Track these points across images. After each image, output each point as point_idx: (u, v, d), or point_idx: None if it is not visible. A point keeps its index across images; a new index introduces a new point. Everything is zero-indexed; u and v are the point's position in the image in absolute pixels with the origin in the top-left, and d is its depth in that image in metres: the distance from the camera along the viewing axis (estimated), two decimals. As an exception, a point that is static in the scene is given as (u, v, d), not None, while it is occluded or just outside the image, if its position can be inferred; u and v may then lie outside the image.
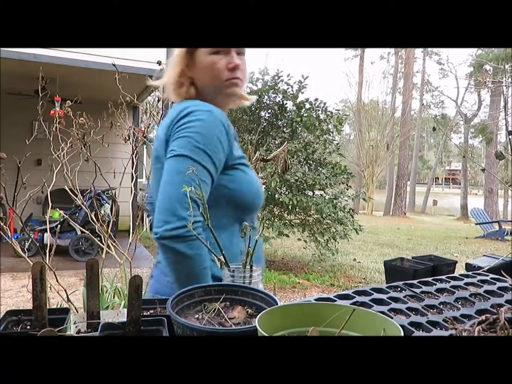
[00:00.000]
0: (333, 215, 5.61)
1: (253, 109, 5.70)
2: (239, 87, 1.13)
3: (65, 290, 2.34)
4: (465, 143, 23.82)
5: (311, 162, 6.04)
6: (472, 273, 1.04)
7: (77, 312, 1.62)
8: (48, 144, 2.69)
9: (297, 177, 5.37)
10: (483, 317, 0.58)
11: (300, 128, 5.89)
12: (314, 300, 0.81)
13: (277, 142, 5.92)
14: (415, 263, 1.29)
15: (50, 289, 2.37)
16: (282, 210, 5.69)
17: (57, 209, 5.24)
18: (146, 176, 3.54)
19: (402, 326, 0.62)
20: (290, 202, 5.24)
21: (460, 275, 1.02)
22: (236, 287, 0.79)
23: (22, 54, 4.70)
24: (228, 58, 1.09)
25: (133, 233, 3.04)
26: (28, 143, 2.31)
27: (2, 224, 2.16)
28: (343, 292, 0.87)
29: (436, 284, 0.94)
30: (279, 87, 5.86)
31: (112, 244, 2.87)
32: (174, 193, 0.95)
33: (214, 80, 1.10)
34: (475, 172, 33.10)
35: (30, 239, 5.28)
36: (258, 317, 0.59)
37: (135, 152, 3.30)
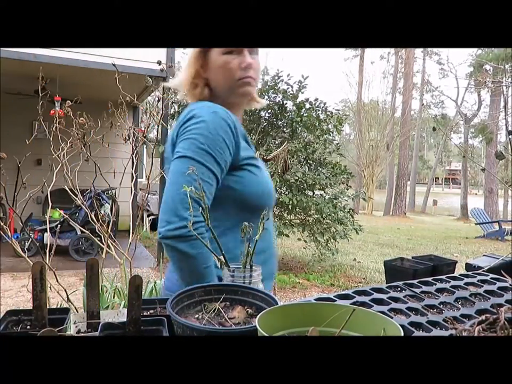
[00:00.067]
0: (333, 215, 5.61)
1: (253, 108, 5.70)
2: (251, 86, 1.13)
3: (65, 290, 2.34)
4: (465, 143, 23.82)
5: (311, 162, 6.04)
6: (472, 273, 1.04)
7: (77, 312, 1.62)
8: (48, 144, 2.69)
9: (297, 177, 5.37)
10: (483, 317, 0.58)
11: (300, 128, 5.88)
12: (314, 299, 0.81)
13: (277, 142, 5.92)
14: (415, 263, 1.29)
15: (50, 289, 2.37)
16: (282, 210, 5.69)
17: (57, 209, 5.24)
18: (146, 176, 3.54)
19: (402, 326, 0.62)
20: (290, 202, 5.24)
21: (460, 275, 1.02)
22: (236, 287, 0.79)
23: (22, 54, 4.70)
24: (240, 57, 1.10)
25: (133, 233, 3.04)
26: (28, 143, 2.31)
27: (2, 224, 2.16)
28: (343, 292, 0.87)
29: (436, 284, 0.94)
30: (279, 87, 5.86)
31: (112, 244, 2.87)
32: (176, 193, 0.96)
33: (227, 80, 1.11)
34: (475, 172, 33.11)
35: (30, 239, 5.28)
36: (258, 317, 0.59)
37: (135, 152, 3.30)
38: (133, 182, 3.57)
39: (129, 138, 3.20)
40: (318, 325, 0.59)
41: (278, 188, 5.30)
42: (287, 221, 5.79)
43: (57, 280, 2.29)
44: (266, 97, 5.88)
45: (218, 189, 1.04)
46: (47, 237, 3.52)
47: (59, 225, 5.18)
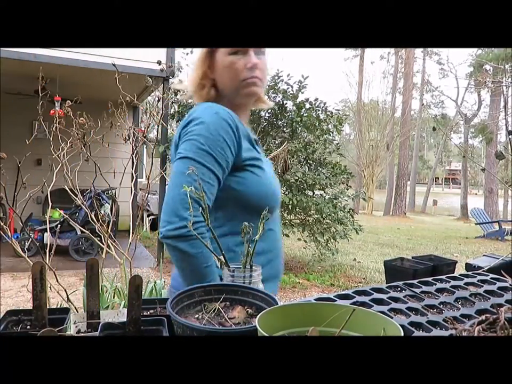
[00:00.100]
0: (333, 215, 5.61)
1: (252, 108, 5.69)
2: (257, 86, 1.13)
3: (65, 290, 2.35)
4: (465, 143, 23.82)
5: (311, 162, 6.04)
6: (472, 273, 1.04)
7: (77, 312, 1.62)
8: (48, 144, 2.69)
9: (297, 177, 5.37)
10: (483, 317, 0.58)
11: (300, 128, 5.88)
12: (314, 299, 0.81)
13: (277, 142, 5.92)
14: (415, 263, 1.29)
15: (50, 289, 2.37)
16: (282, 210, 5.69)
17: (57, 209, 5.24)
18: (146, 176, 3.54)
19: (402, 326, 0.62)
20: (290, 202, 5.24)
21: (460, 275, 1.02)
22: (236, 287, 0.79)
23: (22, 54, 4.70)
24: (246, 58, 1.10)
25: (133, 233, 3.04)
26: (28, 143, 2.31)
27: (2, 224, 2.16)
28: (343, 292, 0.87)
29: (436, 284, 0.94)
30: (279, 87, 5.86)
31: (112, 244, 2.87)
32: (177, 194, 0.98)
33: (232, 80, 1.12)
34: (475, 171, 33.11)
35: (30, 239, 5.28)
36: (258, 317, 0.59)
37: (135, 152, 3.30)
38: (133, 182, 3.58)
39: (129, 138, 3.20)
40: (318, 325, 0.59)
41: (278, 188, 5.29)
42: (287, 221, 5.79)
43: (57, 280, 2.29)
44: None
45: (220, 190, 1.05)
46: (47, 237, 3.52)
47: (59, 225, 5.18)
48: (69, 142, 2.79)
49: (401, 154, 19.21)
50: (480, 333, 0.55)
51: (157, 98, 3.71)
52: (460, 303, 0.84)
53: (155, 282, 2.92)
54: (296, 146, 5.61)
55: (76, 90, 4.12)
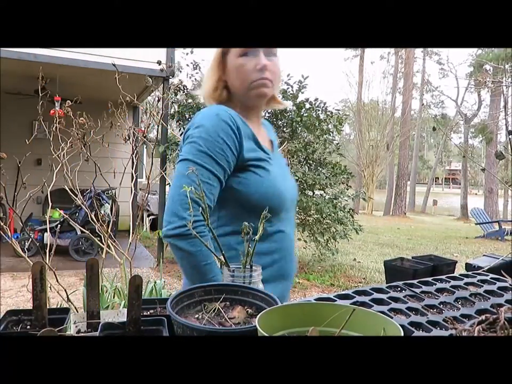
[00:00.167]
0: (333, 215, 5.61)
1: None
2: (267, 87, 1.14)
3: (65, 290, 2.35)
4: (465, 143, 23.82)
5: (311, 162, 6.04)
6: (472, 273, 1.04)
7: (77, 312, 1.62)
8: (48, 144, 2.69)
9: (297, 177, 5.37)
10: (483, 317, 0.58)
11: (300, 128, 5.88)
12: (314, 299, 0.81)
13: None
14: (415, 263, 1.29)
15: (50, 289, 2.37)
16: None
17: (57, 209, 5.24)
18: (146, 176, 3.54)
19: (402, 326, 0.62)
20: (290, 202, 5.23)
21: (460, 275, 1.02)
22: (236, 287, 0.79)
23: (22, 54, 4.70)
24: (256, 59, 1.11)
25: (133, 233, 3.04)
26: (27, 143, 2.31)
27: (2, 224, 2.16)
28: (343, 292, 0.87)
29: (435, 284, 0.94)
30: (279, 87, 5.85)
31: (112, 244, 2.87)
32: (176, 195, 1.01)
33: (243, 82, 1.13)
34: (475, 171, 33.11)
35: (30, 239, 5.28)
36: (258, 316, 0.59)
37: (135, 152, 3.30)
38: (133, 182, 3.58)
39: (129, 138, 3.20)
40: (318, 325, 0.59)
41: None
42: (287, 221, 5.77)
43: (57, 280, 2.29)
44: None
45: (223, 190, 1.07)
46: (47, 237, 3.52)
47: (59, 225, 5.18)
48: (69, 142, 2.79)
49: (401, 154, 19.21)
50: (480, 333, 0.55)
51: (157, 98, 3.71)
52: (460, 303, 0.84)
53: (155, 282, 2.92)
54: (296, 146, 5.61)
55: (76, 90, 4.12)
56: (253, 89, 1.13)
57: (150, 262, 5.81)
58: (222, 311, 0.72)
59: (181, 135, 5.80)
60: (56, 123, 2.68)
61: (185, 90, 5.89)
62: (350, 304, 0.79)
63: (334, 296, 0.84)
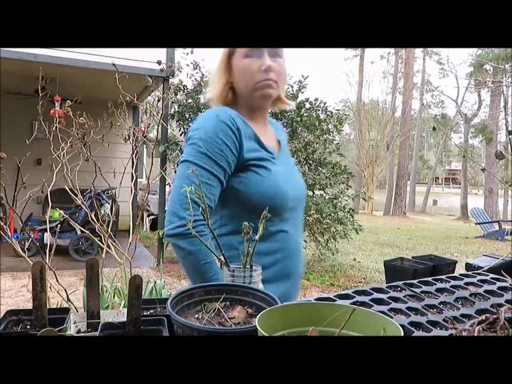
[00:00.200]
0: (333, 215, 5.61)
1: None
2: (272, 88, 1.14)
3: (65, 290, 2.35)
4: (465, 143, 23.82)
5: (311, 162, 6.03)
6: (472, 273, 1.04)
7: (77, 312, 1.62)
8: (48, 144, 2.69)
9: (297, 177, 5.36)
10: (483, 317, 0.58)
11: (300, 128, 5.88)
12: (314, 299, 0.81)
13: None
14: (415, 262, 1.29)
15: (50, 289, 2.37)
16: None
17: (57, 209, 5.24)
18: (146, 176, 3.54)
19: (402, 326, 0.62)
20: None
21: (460, 275, 1.02)
22: (236, 287, 0.79)
23: (22, 54, 4.70)
24: (261, 60, 1.11)
25: (133, 233, 3.04)
26: (27, 142, 2.31)
27: (2, 224, 2.16)
28: (343, 292, 0.87)
29: (435, 284, 0.94)
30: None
31: (112, 244, 2.87)
32: (177, 196, 1.04)
33: (247, 83, 1.14)
34: (475, 171, 33.11)
35: (30, 239, 5.28)
36: (258, 316, 0.59)
37: (135, 152, 3.30)
38: (133, 182, 3.58)
39: (129, 138, 3.20)
40: (318, 325, 0.59)
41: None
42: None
43: (57, 280, 2.29)
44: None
45: (224, 189, 1.08)
46: (47, 237, 3.52)
47: (59, 225, 5.18)
48: (69, 142, 2.79)
49: (401, 154, 19.20)
50: (480, 333, 0.55)
51: (157, 98, 3.71)
52: (459, 303, 0.84)
53: (155, 282, 2.92)
54: (296, 146, 5.61)
55: (76, 90, 4.12)
56: (258, 90, 1.14)
57: (150, 262, 5.81)
58: (222, 311, 0.72)
59: (181, 135, 5.81)
60: (56, 123, 2.68)
61: (185, 90, 5.89)
62: (350, 304, 0.79)
63: (334, 296, 0.84)
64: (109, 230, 2.83)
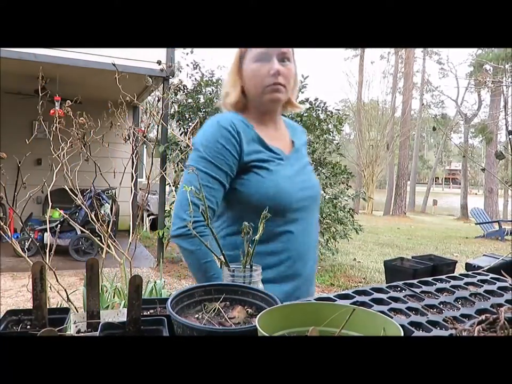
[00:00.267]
0: (333, 214, 5.61)
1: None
2: (280, 92, 1.15)
3: (65, 290, 2.35)
4: (465, 143, 23.82)
5: (311, 162, 6.02)
6: (472, 273, 1.04)
7: (77, 312, 1.62)
8: (48, 144, 2.69)
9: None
10: (483, 317, 0.58)
11: (300, 128, 5.87)
12: (314, 299, 0.81)
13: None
14: (415, 262, 1.29)
15: (50, 289, 2.37)
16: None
17: (57, 209, 5.24)
18: (146, 176, 3.54)
19: (402, 326, 0.62)
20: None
21: (460, 275, 1.02)
22: (236, 287, 0.79)
23: (22, 54, 4.70)
24: (269, 65, 1.13)
25: (133, 233, 3.04)
26: (27, 142, 2.31)
27: (2, 224, 2.16)
28: (343, 292, 0.87)
29: (435, 284, 0.94)
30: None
31: (112, 244, 2.87)
32: (180, 199, 1.10)
33: (256, 87, 1.15)
34: (475, 171, 33.11)
35: (30, 239, 5.28)
36: (258, 316, 0.59)
37: (135, 152, 3.30)
38: (133, 182, 3.58)
39: (129, 138, 3.20)
40: (318, 325, 0.59)
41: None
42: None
43: (57, 280, 2.29)
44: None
45: (228, 191, 1.12)
46: (47, 237, 3.52)
47: (59, 225, 5.18)
48: (69, 142, 2.80)
49: (401, 154, 19.20)
50: (480, 333, 0.55)
51: (157, 98, 3.71)
52: (459, 303, 0.84)
53: (155, 282, 2.92)
54: (296, 146, 5.60)
55: (76, 90, 4.12)
56: (266, 94, 1.15)
57: (150, 262, 5.81)
58: (222, 311, 0.72)
59: (180, 135, 5.81)
60: (56, 123, 2.68)
61: (185, 90, 5.89)
62: (350, 304, 0.79)
63: (334, 296, 0.84)
64: (109, 230, 2.83)
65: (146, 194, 3.29)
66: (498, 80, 14.19)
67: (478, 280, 0.98)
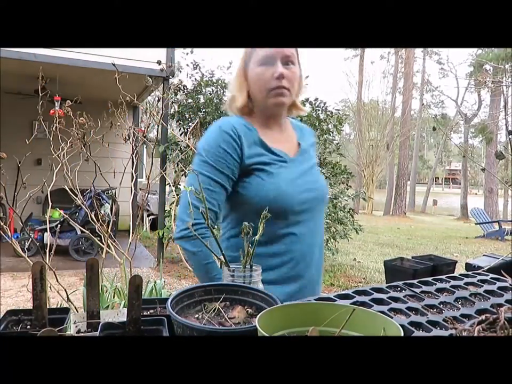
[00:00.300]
0: (333, 214, 5.62)
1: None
2: (284, 96, 1.16)
3: (65, 290, 2.35)
4: (465, 143, 23.82)
5: (315, 162, 6.03)
6: (472, 273, 1.04)
7: (77, 312, 1.62)
8: (48, 144, 2.69)
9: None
10: (483, 317, 0.58)
11: (299, 128, 5.87)
12: (314, 299, 0.81)
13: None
14: (415, 262, 1.29)
15: (50, 289, 2.37)
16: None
17: (57, 209, 5.24)
18: (146, 176, 3.54)
19: (402, 326, 0.62)
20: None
21: (460, 275, 1.02)
22: (236, 287, 0.79)
23: (22, 54, 4.70)
24: (273, 68, 1.13)
25: (133, 233, 3.04)
26: (27, 142, 2.30)
27: (2, 224, 2.16)
28: (343, 292, 0.87)
29: (435, 284, 0.94)
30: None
31: (112, 244, 2.87)
32: (183, 202, 1.13)
33: (261, 90, 1.16)
34: (475, 171, 33.11)
35: (30, 239, 5.27)
36: (258, 316, 0.59)
37: (135, 152, 3.31)
38: (133, 182, 3.58)
39: (129, 138, 3.21)
40: (318, 325, 0.59)
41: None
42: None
43: (57, 280, 2.29)
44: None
45: (231, 194, 1.13)
46: (47, 237, 3.52)
47: (59, 225, 5.19)
48: (69, 142, 2.80)
49: (401, 154, 19.19)
50: (480, 333, 0.55)
51: (157, 98, 3.71)
52: (459, 303, 0.84)
53: (155, 282, 2.92)
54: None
55: (75, 90, 4.12)
56: (271, 97, 1.16)
57: (150, 262, 5.81)
58: (222, 311, 0.72)
59: (180, 135, 5.81)
60: (56, 123, 2.68)
61: (185, 90, 5.89)
62: (350, 304, 0.79)
63: (334, 296, 0.84)
64: (109, 230, 2.83)
65: (146, 194, 3.29)
66: (498, 80, 14.18)
67: (478, 280, 0.98)
